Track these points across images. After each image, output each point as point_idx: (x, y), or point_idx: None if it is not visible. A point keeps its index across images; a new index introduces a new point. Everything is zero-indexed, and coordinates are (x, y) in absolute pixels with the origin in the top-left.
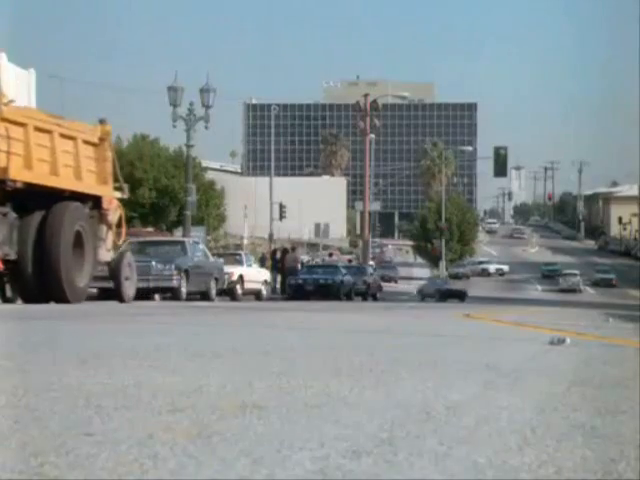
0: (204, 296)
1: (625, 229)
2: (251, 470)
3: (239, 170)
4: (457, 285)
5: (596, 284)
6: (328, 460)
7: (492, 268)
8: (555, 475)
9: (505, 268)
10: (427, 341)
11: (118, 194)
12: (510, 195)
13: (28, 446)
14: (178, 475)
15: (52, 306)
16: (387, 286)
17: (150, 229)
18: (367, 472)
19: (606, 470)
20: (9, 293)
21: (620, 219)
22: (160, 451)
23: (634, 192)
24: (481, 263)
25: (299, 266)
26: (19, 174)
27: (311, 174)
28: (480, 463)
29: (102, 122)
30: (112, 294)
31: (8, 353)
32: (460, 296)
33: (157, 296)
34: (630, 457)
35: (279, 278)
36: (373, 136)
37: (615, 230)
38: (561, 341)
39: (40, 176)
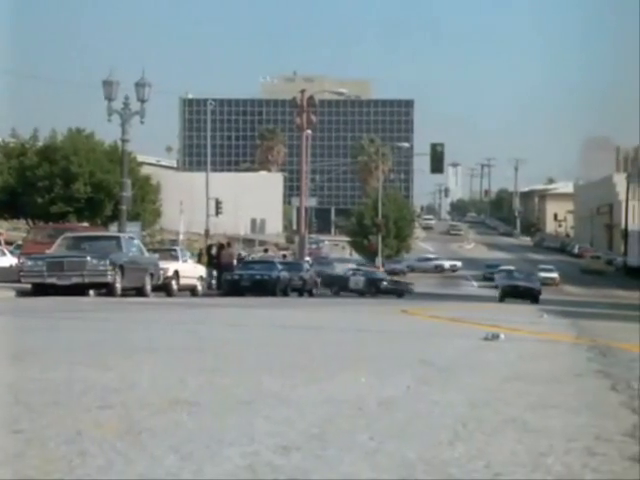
0: (139, 292)
1: (560, 226)
2: (179, 466)
3: (175, 165)
4: (523, 281)
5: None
6: (258, 456)
7: (447, 264)
8: (484, 469)
9: (458, 264)
10: (362, 337)
11: None
12: (447, 192)
13: None
14: (106, 472)
15: None
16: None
17: (85, 224)
18: (297, 467)
19: (535, 464)
20: None
21: (555, 216)
22: (89, 448)
23: (569, 189)
24: (430, 260)
25: (235, 262)
26: None
27: (248, 169)
28: (410, 458)
29: None
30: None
31: None
32: (533, 296)
33: (92, 292)
34: (559, 451)
35: (215, 274)
36: (310, 132)
37: (551, 227)
38: (495, 337)
39: None
